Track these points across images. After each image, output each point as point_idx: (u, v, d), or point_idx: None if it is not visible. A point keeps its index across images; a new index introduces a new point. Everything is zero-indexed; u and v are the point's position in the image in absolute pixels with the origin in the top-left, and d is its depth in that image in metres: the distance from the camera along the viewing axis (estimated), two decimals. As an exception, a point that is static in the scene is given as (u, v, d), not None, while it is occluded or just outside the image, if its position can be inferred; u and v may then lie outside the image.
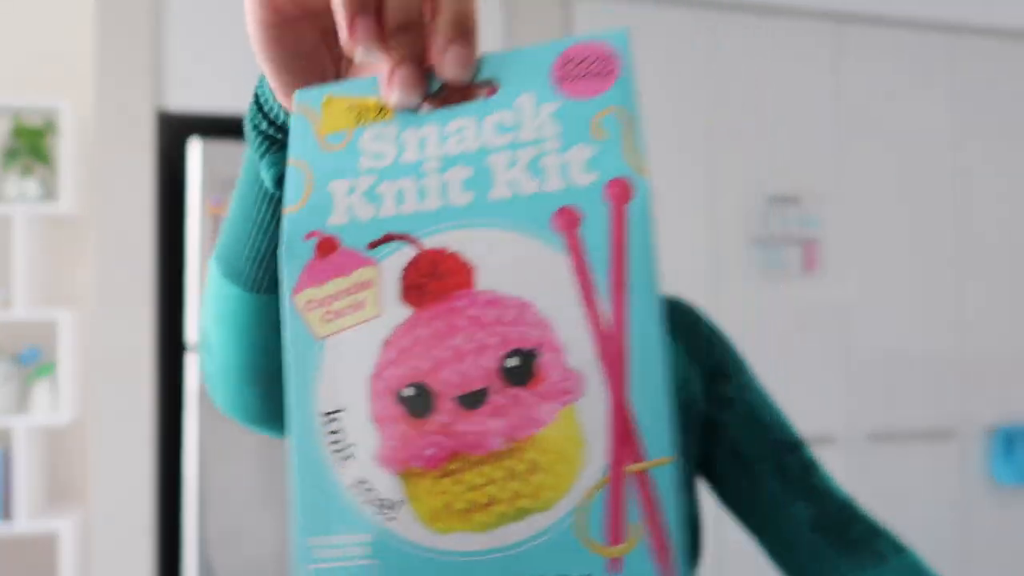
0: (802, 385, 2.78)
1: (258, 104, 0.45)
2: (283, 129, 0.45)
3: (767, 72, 2.81)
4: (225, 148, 2.34)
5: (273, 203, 0.49)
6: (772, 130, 2.81)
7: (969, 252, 2.98)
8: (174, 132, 2.62)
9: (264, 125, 0.45)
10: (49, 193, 2.65)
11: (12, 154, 2.59)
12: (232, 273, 0.54)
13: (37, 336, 2.76)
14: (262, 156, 0.46)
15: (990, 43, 3.02)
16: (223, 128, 2.63)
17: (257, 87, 0.45)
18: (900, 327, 2.89)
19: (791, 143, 2.82)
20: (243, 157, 0.47)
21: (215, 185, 2.32)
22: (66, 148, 2.58)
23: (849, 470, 2.81)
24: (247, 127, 0.46)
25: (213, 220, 2.32)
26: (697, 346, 0.85)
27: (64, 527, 2.52)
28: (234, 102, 2.40)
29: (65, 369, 2.55)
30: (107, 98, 2.33)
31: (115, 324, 2.31)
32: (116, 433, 2.30)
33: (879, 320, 2.87)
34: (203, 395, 2.31)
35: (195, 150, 2.32)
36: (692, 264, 2.71)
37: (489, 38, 2.58)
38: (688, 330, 0.86)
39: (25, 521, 2.51)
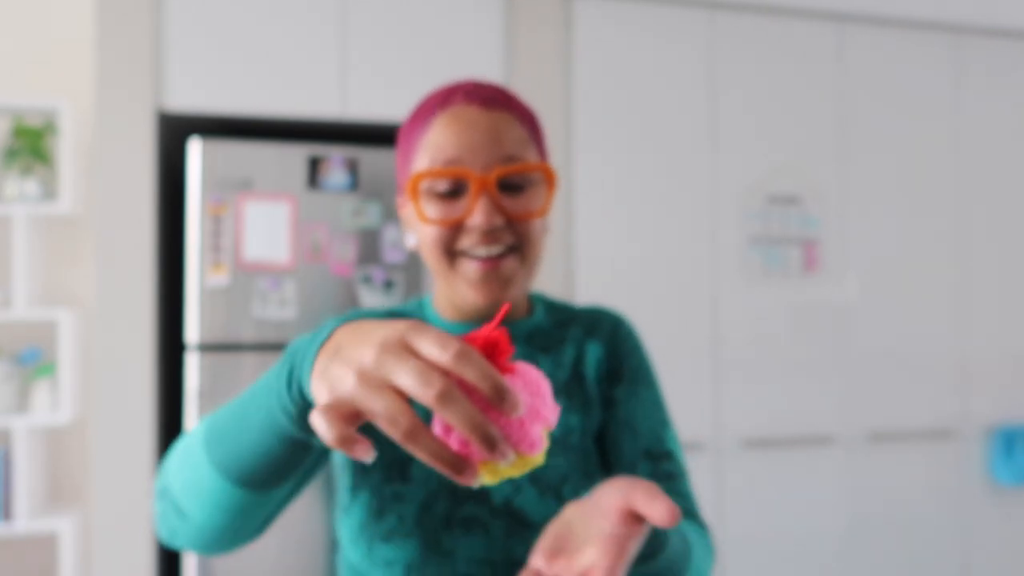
0: (802, 385, 2.78)
1: (294, 392, 0.60)
2: (309, 402, 0.60)
3: (767, 72, 2.81)
4: (225, 148, 2.34)
5: (296, 443, 0.64)
6: (772, 130, 2.81)
7: (969, 252, 2.98)
8: (174, 132, 2.62)
9: (299, 405, 0.60)
10: (49, 193, 2.65)
11: (12, 154, 2.59)
12: (232, 475, 0.66)
13: (37, 336, 2.76)
14: (297, 422, 0.61)
15: (992, 43, 3.02)
16: (223, 128, 2.63)
17: (300, 383, 0.59)
18: (900, 327, 2.89)
19: (791, 143, 2.82)
20: (260, 390, 0.60)
21: (215, 185, 2.32)
22: (66, 148, 2.58)
23: (849, 470, 2.81)
24: (278, 400, 0.61)
25: (213, 220, 2.32)
26: (603, 342, 0.93)
27: (64, 527, 2.52)
28: (234, 102, 2.40)
29: (65, 369, 2.55)
30: (107, 98, 2.33)
31: (115, 324, 2.31)
32: (116, 433, 2.30)
33: (879, 320, 2.87)
34: (203, 395, 2.31)
35: (195, 150, 2.32)
36: (692, 264, 2.71)
37: (490, 38, 2.59)
38: (606, 331, 0.95)
39: (25, 521, 2.51)
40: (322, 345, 0.57)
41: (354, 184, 2.41)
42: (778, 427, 2.75)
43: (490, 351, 0.51)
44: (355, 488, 0.86)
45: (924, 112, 2.95)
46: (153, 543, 2.33)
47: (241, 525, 0.71)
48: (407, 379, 0.47)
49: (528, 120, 0.87)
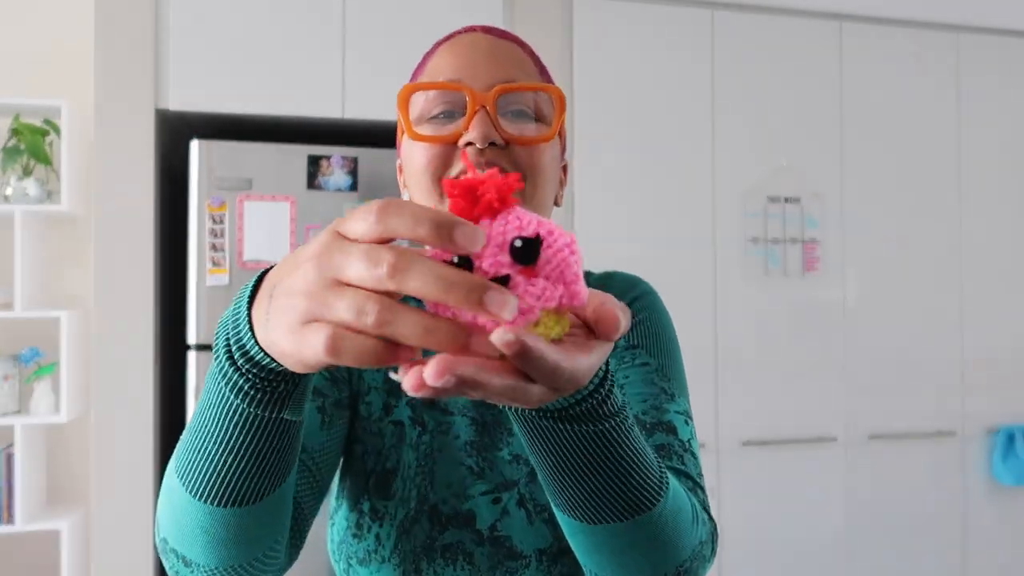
0: (802, 385, 2.78)
1: (234, 353, 0.49)
2: (263, 367, 0.48)
3: (767, 72, 2.81)
4: (225, 148, 2.34)
5: (262, 426, 0.52)
6: (772, 130, 2.80)
7: (969, 252, 2.97)
8: (174, 132, 2.62)
9: (250, 374, 0.49)
10: (49, 193, 2.65)
11: (12, 154, 2.59)
12: (214, 496, 0.55)
13: (37, 336, 2.76)
14: (252, 398, 0.50)
15: (993, 43, 3.02)
16: (223, 128, 2.63)
17: (244, 348, 0.48)
18: (900, 327, 2.89)
19: (791, 143, 2.82)
20: (215, 404, 0.53)
21: (215, 185, 2.32)
22: (66, 148, 2.58)
23: (849, 470, 2.81)
24: (226, 383, 0.51)
25: (212, 219, 2.32)
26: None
27: (64, 527, 2.53)
28: (234, 102, 2.39)
29: (65, 369, 2.55)
30: (107, 98, 2.32)
31: (115, 324, 2.31)
32: (116, 433, 2.30)
33: (879, 320, 2.87)
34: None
35: (195, 150, 2.32)
36: (692, 264, 2.71)
37: (489, 38, 2.58)
38: (619, 295, 0.84)
39: (25, 520, 2.51)
40: (250, 302, 0.48)
41: (354, 184, 2.41)
42: (778, 427, 2.75)
43: (503, 193, 0.42)
44: (339, 495, 0.81)
45: (924, 112, 2.95)
46: (153, 542, 2.33)
47: (252, 553, 0.61)
48: (355, 265, 0.39)
49: (533, 54, 0.78)
